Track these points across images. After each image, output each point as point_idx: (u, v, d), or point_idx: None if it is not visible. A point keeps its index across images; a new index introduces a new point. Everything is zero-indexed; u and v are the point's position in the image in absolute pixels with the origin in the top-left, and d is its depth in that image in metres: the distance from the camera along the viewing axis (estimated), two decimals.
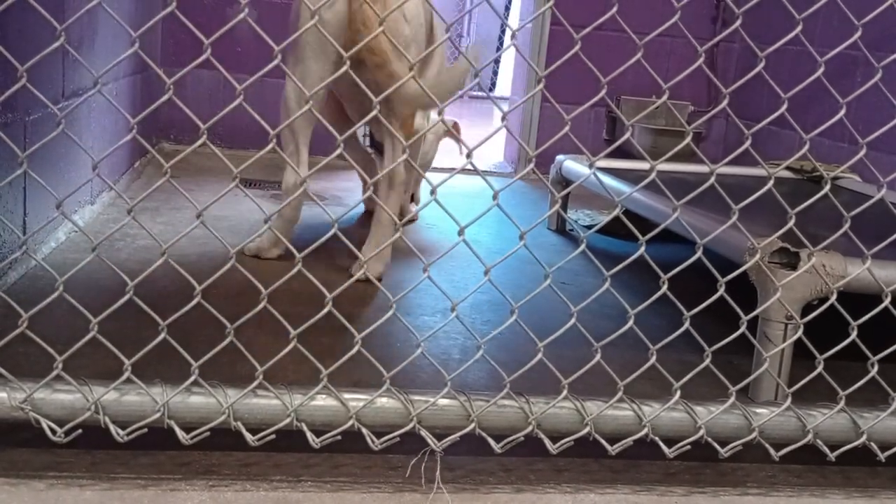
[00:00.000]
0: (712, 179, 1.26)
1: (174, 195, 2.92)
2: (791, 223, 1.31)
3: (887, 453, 1.39)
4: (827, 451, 1.36)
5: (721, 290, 1.28)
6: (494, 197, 1.22)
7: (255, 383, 1.20)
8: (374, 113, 1.18)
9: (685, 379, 1.33)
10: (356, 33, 2.11)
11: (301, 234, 2.65)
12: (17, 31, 1.81)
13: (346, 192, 3.41)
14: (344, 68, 1.15)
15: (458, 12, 8.91)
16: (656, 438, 1.31)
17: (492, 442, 1.25)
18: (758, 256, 1.50)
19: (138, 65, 3.23)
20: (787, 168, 2.60)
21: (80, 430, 1.16)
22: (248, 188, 3.33)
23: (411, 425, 1.24)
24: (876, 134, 1.36)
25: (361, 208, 3.07)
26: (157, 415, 1.17)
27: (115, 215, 2.67)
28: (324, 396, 1.23)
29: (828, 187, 1.33)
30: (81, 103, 2.39)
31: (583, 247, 1.24)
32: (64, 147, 2.24)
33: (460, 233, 1.20)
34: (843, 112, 1.28)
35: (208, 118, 1.11)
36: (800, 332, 1.42)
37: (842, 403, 1.37)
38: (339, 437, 1.22)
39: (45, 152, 2.07)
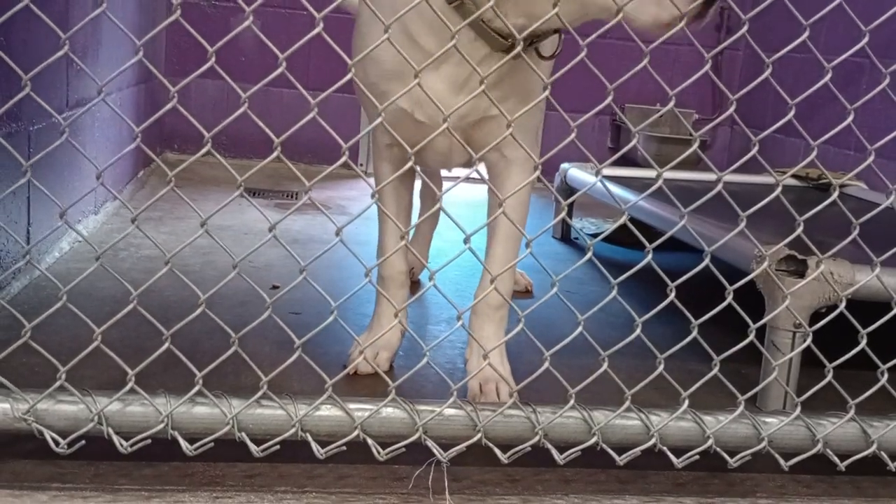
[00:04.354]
0: (719, 187, 1.25)
1: (177, 205, 2.92)
2: (799, 230, 1.30)
3: None
4: (837, 460, 1.35)
5: (729, 299, 1.27)
6: (499, 205, 1.21)
7: (260, 393, 1.19)
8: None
9: (693, 388, 1.31)
10: None
11: (305, 243, 2.65)
12: (22, 40, 1.81)
13: (349, 202, 3.40)
14: None
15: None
16: (664, 448, 1.30)
17: (498, 452, 1.24)
18: (766, 264, 1.48)
19: (142, 74, 3.23)
20: (793, 175, 2.59)
21: (83, 441, 1.15)
22: (252, 197, 3.33)
23: (417, 435, 1.23)
24: (883, 141, 1.35)
25: (363, 217, 3.06)
26: (161, 426, 1.16)
27: (118, 225, 2.67)
28: (329, 406, 1.22)
29: (836, 194, 1.32)
30: (85, 113, 2.39)
31: (589, 255, 1.23)
32: (68, 157, 2.24)
33: (466, 241, 1.20)
34: (850, 119, 1.27)
35: (212, 128, 1.09)
36: (808, 341, 1.41)
37: (852, 412, 1.36)
38: (344, 448, 1.21)
39: (49, 162, 2.07)
